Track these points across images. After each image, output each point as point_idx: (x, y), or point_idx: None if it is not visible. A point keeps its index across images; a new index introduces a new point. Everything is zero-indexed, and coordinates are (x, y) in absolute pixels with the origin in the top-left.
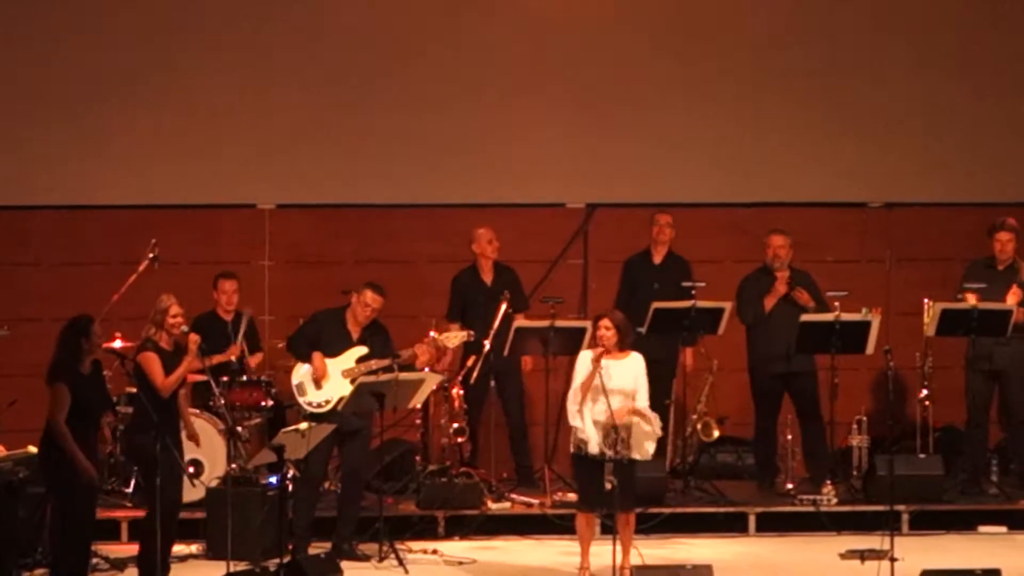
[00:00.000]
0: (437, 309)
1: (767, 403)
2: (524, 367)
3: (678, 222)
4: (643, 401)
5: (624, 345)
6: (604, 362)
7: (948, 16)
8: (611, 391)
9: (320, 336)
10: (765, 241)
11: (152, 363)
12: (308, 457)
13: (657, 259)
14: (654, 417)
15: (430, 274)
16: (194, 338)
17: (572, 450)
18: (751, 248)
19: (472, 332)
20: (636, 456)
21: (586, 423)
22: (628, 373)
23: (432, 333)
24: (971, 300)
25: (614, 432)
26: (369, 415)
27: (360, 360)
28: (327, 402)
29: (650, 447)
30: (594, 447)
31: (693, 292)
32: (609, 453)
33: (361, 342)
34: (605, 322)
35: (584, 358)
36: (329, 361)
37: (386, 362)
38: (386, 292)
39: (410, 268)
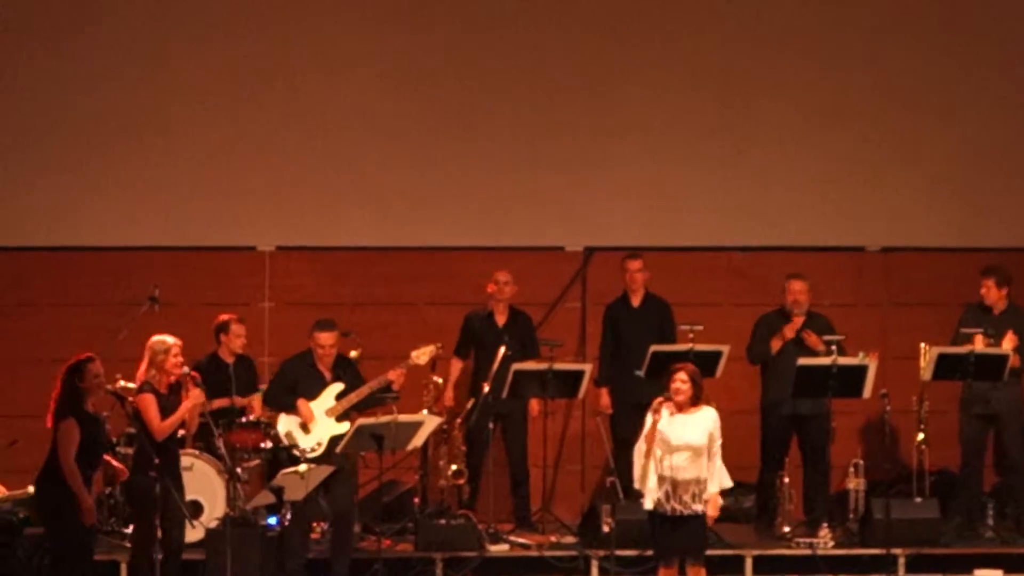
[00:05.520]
0: None
1: (776, 446)
2: (531, 412)
3: (676, 265)
4: (717, 456)
5: (698, 399)
6: (675, 417)
7: (944, 62)
8: (678, 447)
9: (296, 383)
10: (784, 286)
11: (149, 406)
12: None
13: (636, 302)
14: (720, 469)
15: (430, 316)
16: (196, 394)
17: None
18: (749, 291)
19: (441, 345)
20: (698, 508)
21: (648, 476)
22: (699, 428)
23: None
24: (979, 343)
25: (670, 486)
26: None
27: (339, 396)
28: (319, 444)
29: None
30: (649, 503)
31: (691, 335)
32: (668, 506)
33: (336, 379)
34: (681, 375)
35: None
36: (311, 404)
37: (366, 391)
38: (335, 326)
39: (409, 310)
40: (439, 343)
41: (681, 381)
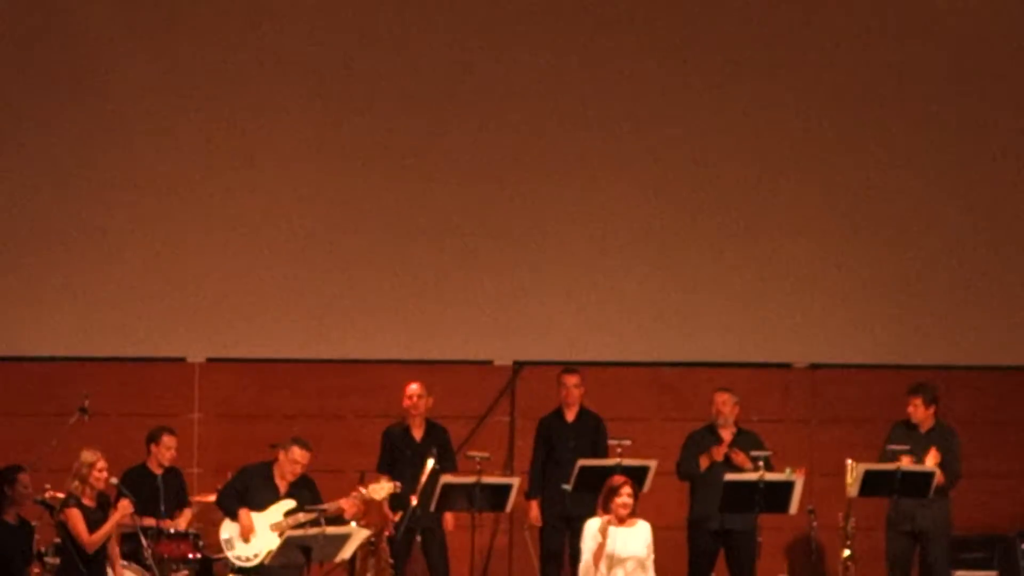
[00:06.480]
0: (365, 464)
1: (703, 561)
2: (446, 525)
3: (604, 381)
4: (651, 570)
5: (635, 511)
6: (614, 530)
7: (872, 177)
8: (626, 559)
9: (248, 491)
10: (710, 399)
11: (76, 520)
12: None
13: (570, 417)
14: None
15: (359, 428)
16: (125, 505)
17: None
18: (677, 407)
19: (399, 484)
20: None
21: None
22: (640, 540)
23: (360, 488)
24: (905, 461)
25: None
26: (298, 568)
27: (288, 514)
28: (255, 556)
29: None
30: None
31: (619, 449)
32: None
33: (288, 496)
34: (628, 489)
35: (592, 527)
36: (257, 515)
37: (313, 515)
38: (312, 447)
39: (339, 423)
40: (399, 484)
41: (628, 495)
